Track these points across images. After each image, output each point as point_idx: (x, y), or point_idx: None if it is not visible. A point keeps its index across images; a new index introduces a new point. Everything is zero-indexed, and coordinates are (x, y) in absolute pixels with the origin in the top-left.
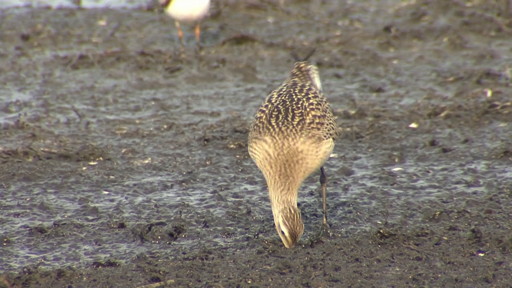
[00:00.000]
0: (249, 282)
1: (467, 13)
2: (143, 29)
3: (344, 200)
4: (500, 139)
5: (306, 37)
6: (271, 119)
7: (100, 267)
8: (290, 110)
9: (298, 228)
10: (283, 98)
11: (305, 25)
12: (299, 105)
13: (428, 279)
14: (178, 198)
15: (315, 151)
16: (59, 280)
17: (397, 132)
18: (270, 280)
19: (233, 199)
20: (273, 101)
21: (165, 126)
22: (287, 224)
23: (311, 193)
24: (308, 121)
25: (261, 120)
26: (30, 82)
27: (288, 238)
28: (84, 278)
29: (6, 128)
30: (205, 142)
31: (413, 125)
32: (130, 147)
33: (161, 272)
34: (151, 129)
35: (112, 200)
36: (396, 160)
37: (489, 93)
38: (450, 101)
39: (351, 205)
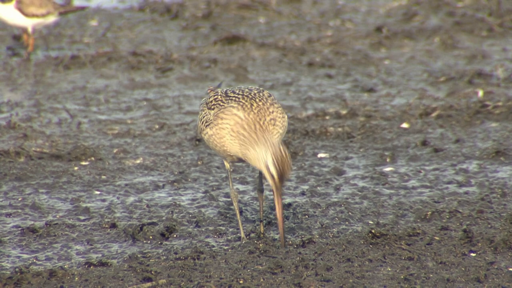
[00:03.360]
0: (241, 282)
1: (459, 13)
2: (135, 29)
3: (335, 200)
4: (491, 139)
5: (297, 37)
6: (229, 94)
7: (92, 267)
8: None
9: (286, 168)
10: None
11: (296, 25)
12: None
13: (419, 279)
14: (170, 198)
15: (282, 115)
16: (51, 280)
17: (389, 132)
18: (261, 280)
19: (224, 199)
20: (219, 92)
21: (157, 126)
22: (276, 164)
23: (303, 193)
24: (268, 99)
25: (217, 99)
26: (22, 82)
27: (277, 181)
28: (76, 278)
29: None
30: (197, 142)
31: (405, 125)
32: (121, 147)
33: (152, 272)
34: (143, 129)
35: (103, 200)
36: (388, 160)
37: (480, 93)
38: (441, 101)
39: (342, 205)
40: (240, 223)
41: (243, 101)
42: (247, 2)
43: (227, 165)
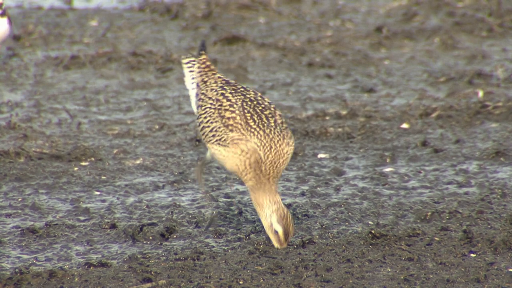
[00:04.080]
0: (241, 282)
1: (459, 13)
2: (135, 30)
3: (335, 200)
4: (491, 140)
5: (297, 37)
6: (249, 120)
7: (91, 267)
8: (259, 111)
9: (291, 227)
10: (241, 97)
11: (296, 26)
12: (264, 105)
13: (419, 280)
14: (170, 199)
15: (292, 149)
16: (51, 280)
17: (389, 133)
18: (261, 280)
19: (224, 199)
20: (233, 100)
21: (157, 127)
22: (282, 223)
23: (303, 194)
24: (279, 121)
25: (236, 120)
26: (21, 82)
27: (282, 237)
28: (76, 279)
29: None
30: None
31: (405, 126)
32: (121, 147)
33: (152, 272)
34: (143, 129)
35: (103, 201)
36: (388, 160)
37: (480, 94)
38: (441, 101)
39: (342, 205)
40: (203, 187)
41: (264, 140)
42: (247, 2)
43: (208, 155)
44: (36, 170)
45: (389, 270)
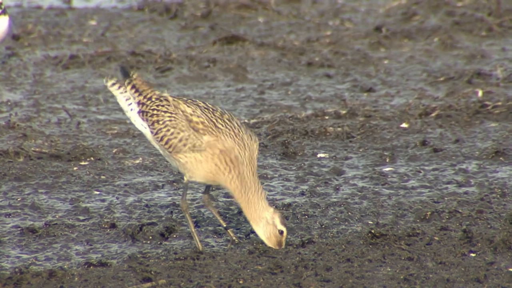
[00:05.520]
0: (241, 282)
1: (458, 13)
2: (134, 29)
3: (335, 200)
4: (491, 139)
5: (296, 37)
6: (217, 123)
7: (91, 267)
8: (219, 116)
9: (287, 227)
10: (196, 106)
11: (295, 25)
12: (220, 111)
13: (419, 279)
14: (169, 198)
15: (258, 145)
16: (51, 280)
17: (388, 132)
18: (261, 280)
19: (224, 199)
20: (193, 107)
21: None
22: (284, 223)
23: (302, 193)
24: (239, 122)
25: (205, 124)
26: (20, 82)
27: (284, 238)
28: (76, 278)
29: None
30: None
31: (404, 125)
32: (121, 147)
33: (152, 272)
34: None
35: (103, 200)
36: (387, 160)
37: (480, 93)
38: (441, 101)
39: (342, 205)
40: (195, 236)
41: (237, 139)
42: (246, 2)
43: (185, 179)
44: (35, 170)
45: (389, 269)
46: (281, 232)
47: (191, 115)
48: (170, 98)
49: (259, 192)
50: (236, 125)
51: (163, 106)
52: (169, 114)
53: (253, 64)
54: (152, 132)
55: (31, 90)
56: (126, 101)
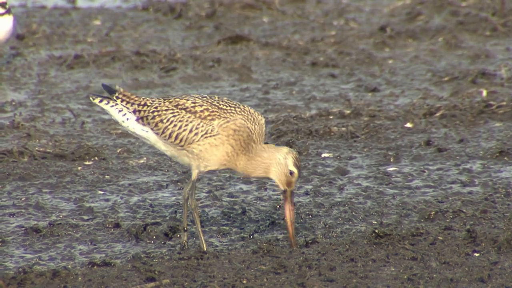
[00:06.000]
0: (244, 282)
1: (462, 13)
2: (138, 29)
3: (339, 200)
4: (495, 139)
5: (301, 36)
6: (220, 106)
7: (95, 267)
8: (218, 100)
9: (300, 169)
10: (193, 97)
11: (300, 25)
12: (217, 97)
13: (423, 279)
14: (173, 198)
15: (264, 120)
16: (54, 280)
17: (393, 132)
18: (265, 280)
19: (228, 199)
20: (192, 99)
21: None
22: (297, 165)
23: (306, 193)
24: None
25: (210, 111)
26: (25, 82)
27: (295, 179)
28: (79, 278)
29: (1, 128)
30: None
31: (408, 125)
32: (125, 146)
33: (156, 272)
34: None
35: (107, 200)
36: (392, 160)
37: (484, 93)
38: (445, 100)
39: (346, 205)
40: (201, 235)
41: (245, 114)
42: (251, 1)
43: (194, 175)
44: (39, 170)
45: (393, 269)
46: (291, 173)
47: (192, 107)
48: (164, 98)
49: (264, 148)
50: (237, 103)
51: (161, 105)
52: (171, 111)
53: (257, 64)
54: (157, 134)
55: (35, 90)
56: (120, 112)
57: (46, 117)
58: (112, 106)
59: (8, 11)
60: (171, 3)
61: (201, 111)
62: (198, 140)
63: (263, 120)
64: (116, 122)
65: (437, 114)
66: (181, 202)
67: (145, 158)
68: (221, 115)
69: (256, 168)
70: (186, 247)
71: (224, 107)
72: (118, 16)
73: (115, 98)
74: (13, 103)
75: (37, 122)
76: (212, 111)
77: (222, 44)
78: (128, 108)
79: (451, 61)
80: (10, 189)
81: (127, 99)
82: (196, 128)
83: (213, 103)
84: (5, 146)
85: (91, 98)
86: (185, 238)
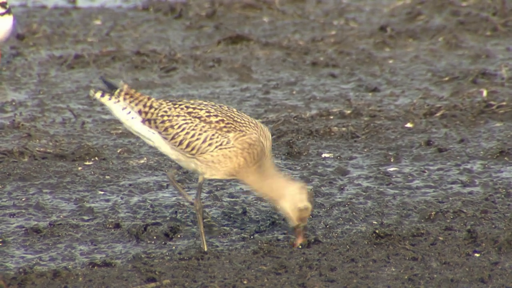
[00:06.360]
0: (245, 282)
1: (463, 13)
2: (139, 29)
3: (339, 200)
4: (496, 139)
5: (301, 36)
6: (235, 119)
7: (95, 267)
8: (230, 111)
9: (313, 203)
10: (205, 107)
11: (300, 25)
12: (227, 107)
13: (423, 279)
14: (174, 198)
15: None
16: (55, 280)
17: (393, 132)
18: (265, 280)
19: (228, 199)
20: (204, 109)
21: None
22: (311, 199)
23: None
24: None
25: (225, 122)
26: (25, 81)
27: (309, 213)
28: (80, 279)
29: (1, 128)
30: None
31: (409, 125)
32: (125, 147)
33: (156, 272)
34: None
35: (107, 200)
36: (392, 160)
37: (484, 93)
38: (445, 100)
39: (346, 205)
40: (203, 236)
41: (258, 130)
42: (251, 1)
43: (201, 179)
44: (40, 170)
45: (393, 269)
46: (305, 208)
47: (207, 117)
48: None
49: (277, 174)
50: (248, 116)
51: (171, 110)
52: (182, 117)
53: (258, 64)
54: (165, 138)
55: (35, 89)
56: (123, 110)
57: (46, 117)
58: (115, 102)
59: (8, 11)
60: (171, 3)
61: (217, 121)
62: (211, 151)
63: (269, 133)
64: (118, 120)
65: (438, 114)
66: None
67: (145, 158)
68: (236, 127)
69: (263, 187)
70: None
71: (239, 119)
72: (118, 16)
73: (117, 94)
74: (13, 103)
75: (38, 122)
76: (228, 123)
77: (222, 44)
78: (132, 107)
79: (452, 61)
80: (10, 189)
81: (131, 97)
82: (211, 139)
83: (227, 114)
84: (5, 146)
85: (91, 92)
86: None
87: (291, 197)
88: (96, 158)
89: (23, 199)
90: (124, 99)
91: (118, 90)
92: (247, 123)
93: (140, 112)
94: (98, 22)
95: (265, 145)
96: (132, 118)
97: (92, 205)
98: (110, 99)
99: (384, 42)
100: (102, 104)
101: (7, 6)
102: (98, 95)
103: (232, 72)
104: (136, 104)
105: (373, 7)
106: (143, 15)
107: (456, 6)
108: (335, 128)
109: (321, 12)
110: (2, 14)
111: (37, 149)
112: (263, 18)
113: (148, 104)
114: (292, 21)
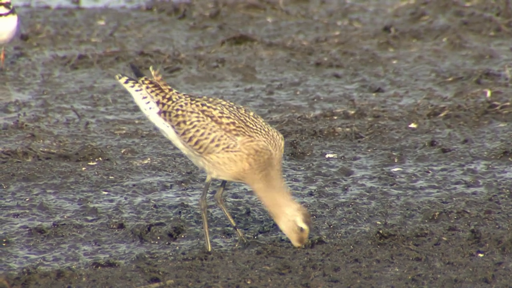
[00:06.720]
0: (249, 282)
1: (467, 13)
2: (142, 29)
3: (343, 200)
4: (499, 139)
5: (305, 37)
6: (247, 123)
7: (99, 267)
8: (245, 115)
9: (311, 225)
10: (221, 106)
11: (304, 25)
12: (244, 110)
13: (427, 280)
14: (178, 199)
15: (283, 143)
16: (59, 280)
17: (397, 132)
18: (269, 280)
19: (232, 199)
20: (219, 108)
21: None
22: (307, 221)
23: (311, 193)
24: (262, 119)
25: (236, 125)
26: (29, 82)
27: (306, 235)
28: (84, 279)
29: (5, 128)
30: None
31: (413, 125)
32: (129, 147)
33: (160, 272)
34: (151, 129)
35: (111, 201)
36: (396, 160)
37: (488, 93)
38: (449, 101)
39: (350, 205)
40: (207, 236)
41: (268, 138)
42: (255, 1)
43: (208, 178)
44: (43, 170)
45: (397, 270)
46: (301, 230)
47: (219, 117)
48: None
49: (282, 189)
50: (262, 123)
51: (187, 105)
52: (196, 115)
53: (261, 64)
54: (177, 133)
55: (39, 90)
56: (143, 99)
57: (50, 118)
58: (136, 90)
59: (12, 11)
60: (175, 3)
61: (227, 123)
62: (218, 152)
63: (283, 142)
64: (138, 108)
65: (441, 115)
66: (198, 211)
67: (149, 159)
68: (246, 132)
69: (266, 198)
70: (245, 241)
71: (251, 125)
72: (122, 16)
73: (141, 82)
74: (17, 104)
75: (41, 123)
76: (238, 126)
77: (226, 44)
78: (152, 97)
79: (455, 62)
80: (14, 189)
81: (154, 86)
82: (219, 140)
83: (241, 117)
84: (9, 146)
85: (117, 76)
86: (241, 234)
87: (289, 217)
88: (100, 158)
89: (27, 200)
90: (147, 87)
91: (142, 78)
92: (258, 129)
93: (158, 103)
94: (101, 22)
95: (273, 154)
96: (150, 108)
97: (96, 205)
98: (132, 86)
99: (388, 43)
100: (125, 91)
101: (11, 6)
102: (122, 81)
103: (236, 72)
104: (156, 95)
105: (377, 8)
106: (146, 15)
107: (460, 7)
108: (339, 128)
109: (325, 13)
110: (6, 14)
111: (40, 149)
112: (267, 19)
113: (167, 96)
114: (296, 22)
